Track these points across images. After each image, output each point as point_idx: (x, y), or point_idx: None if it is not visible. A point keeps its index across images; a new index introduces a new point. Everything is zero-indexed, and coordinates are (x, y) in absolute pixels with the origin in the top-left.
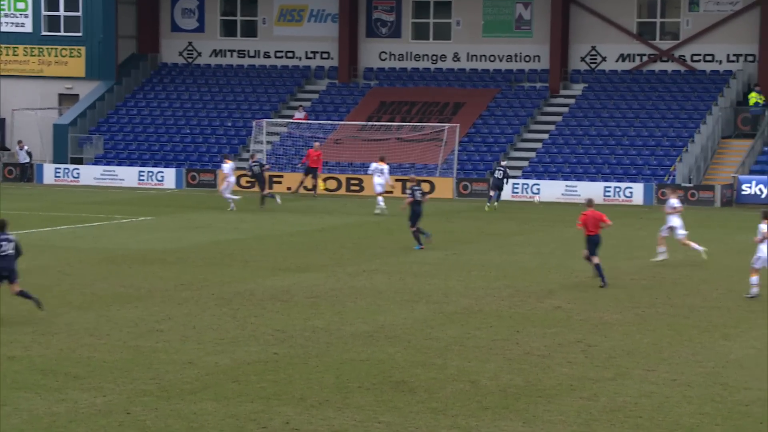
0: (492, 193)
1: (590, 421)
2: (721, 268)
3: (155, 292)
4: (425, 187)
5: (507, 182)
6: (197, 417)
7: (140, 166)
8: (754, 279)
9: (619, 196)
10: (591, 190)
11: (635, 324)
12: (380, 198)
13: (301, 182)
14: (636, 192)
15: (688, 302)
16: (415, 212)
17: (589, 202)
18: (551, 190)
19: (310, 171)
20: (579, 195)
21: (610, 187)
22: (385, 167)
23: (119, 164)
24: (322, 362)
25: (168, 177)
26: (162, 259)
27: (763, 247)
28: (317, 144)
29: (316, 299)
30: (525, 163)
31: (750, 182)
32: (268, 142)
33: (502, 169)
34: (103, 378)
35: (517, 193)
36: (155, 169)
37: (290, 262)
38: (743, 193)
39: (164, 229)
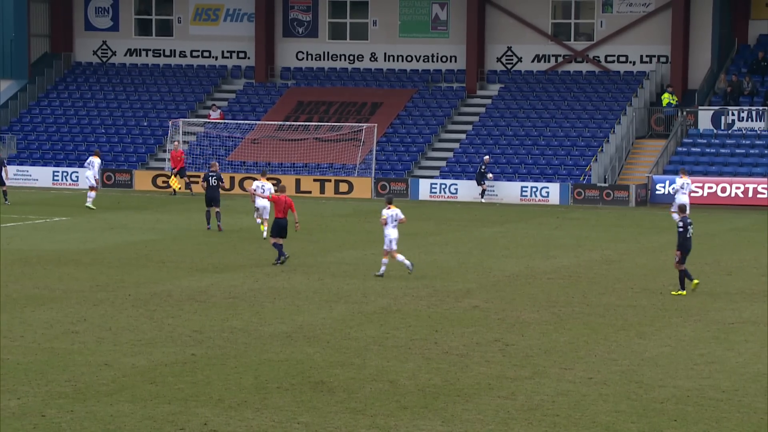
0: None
1: (508, 420)
2: (636, 267)
3: (70, 294)
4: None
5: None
6: (113, 419)
7: (54, 166)
8: (385, 260)
9: (536, 196)
10: (508, 190)
11: (552, 323)
12: (92, 193)
13: (188, 183)
14: (552, 192)
15: (604, 301)
16: (209, 196)
17: (281, 188)
18: (468, 190)
19: (180, 172)
20: (496, 195)
21: (526, 187)
22: (97, 161)
23: (33, 164)
24: (241, 363)
25: (83, 177)
26: (77, 260)
27: (388, 230)
28: (176, 144)
29: (234, 300)
30: (442, 163)
31: (664, 182)
32: (185, 142)
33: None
34: (17, 380)
35: (435, 192)
36: (70, 169)
37: (207, 263)
38: (657, 192)
39: (79, 229)
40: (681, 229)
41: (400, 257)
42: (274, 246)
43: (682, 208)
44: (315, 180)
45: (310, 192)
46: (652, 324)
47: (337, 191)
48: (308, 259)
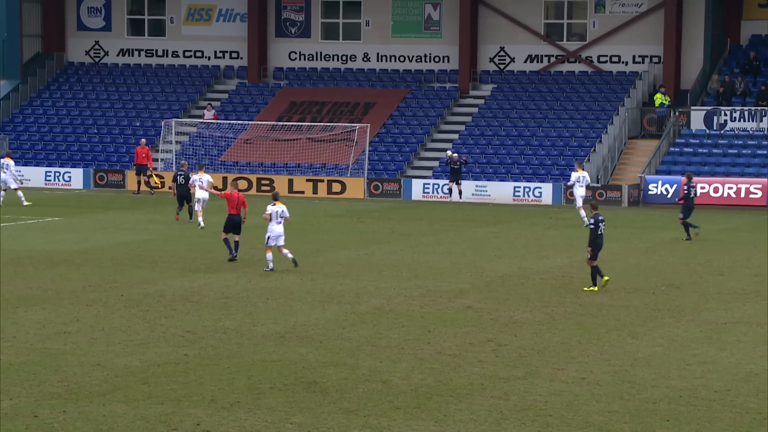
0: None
1: (501, 420)
2: (628, 267)
3: (63, 294)
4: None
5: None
6: (106, 419)
7: (47, 166)
8: (269, 255)
9: (528, 196)
10: (500, 190)
11: (545, 323)
12: (20, 192)
13: (139, 182)
14: (545, 192)
15: (597, 301)
16: (179, 194)
17: (234, 184)
18: (462, 190)
19: (141, 169)
20: (489, 195)
21: (519, 187)
22: (11, 163)
23: (25, 164)
24: (233, 363)
25: (75, 177)
26: (69, 261)
27: (272, 226)
28: (144, 141)
29: (227, 300)
30: (435, 164)
31: (656, 182)
32: (178, 142)
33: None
34: (9, 381)
35: (427, 193)
36: (62, 170)
37: (200, 263)
38: (650, 192)
39: (72, 230)
40: (592, 227)
41: (285, 251)
42: (224, 242)
43: (594, 206)
44: (308, 180)
45: (302, 192)
46: (644, 324)
47: (329, 191)
48: (301, 260)
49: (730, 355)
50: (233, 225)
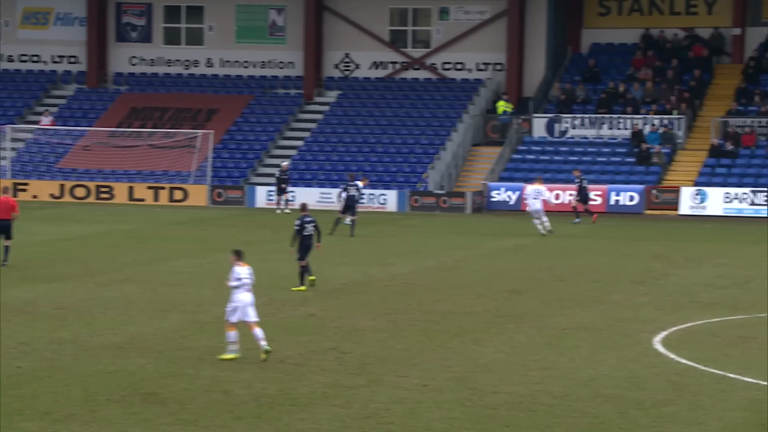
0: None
1: (342, 429)
2: (471, 274)
3: None
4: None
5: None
6: None
7: None
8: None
9: (374, 203)
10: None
11: (388, 330)
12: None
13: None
14: (390, 199)
15: (440, 308)
16: None
17: (4, 189)
18: (306, 197)
19: None
20: (334, 202)
21: (364, 194)
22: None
23: None
24: (69, 375)
25: None
26: None
27: None
28: None
29: (63, 310)
30: None
31: (499, 189)
32: (13, 149)
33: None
34: None
35: (271, 200)
36: None
37: (36, 273)
38: (493, 199)
39: None
40: (297, 228)
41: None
42: (5, 248)
43: (303, 207)
44: (149, 187)
45: (143, 200)
46: (487, 330)
47: (171, 199)
48: (141, 268)
49: (569, 360)
50: (3, 229)
